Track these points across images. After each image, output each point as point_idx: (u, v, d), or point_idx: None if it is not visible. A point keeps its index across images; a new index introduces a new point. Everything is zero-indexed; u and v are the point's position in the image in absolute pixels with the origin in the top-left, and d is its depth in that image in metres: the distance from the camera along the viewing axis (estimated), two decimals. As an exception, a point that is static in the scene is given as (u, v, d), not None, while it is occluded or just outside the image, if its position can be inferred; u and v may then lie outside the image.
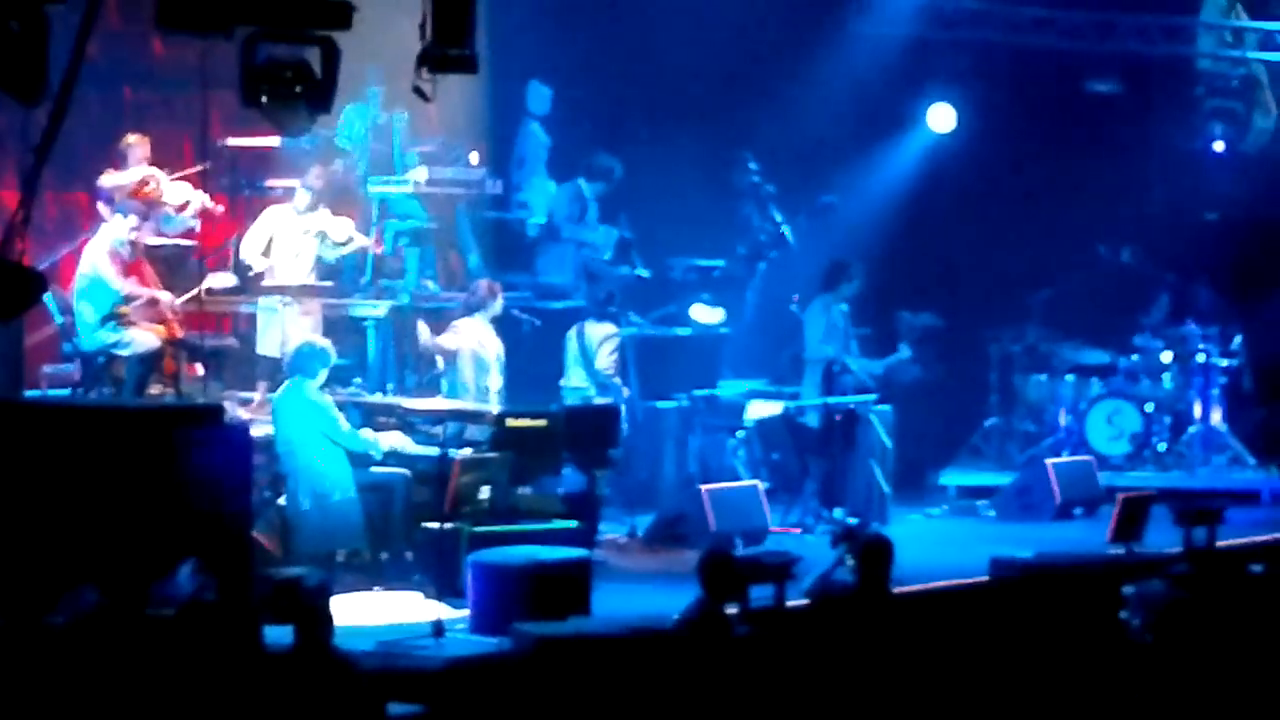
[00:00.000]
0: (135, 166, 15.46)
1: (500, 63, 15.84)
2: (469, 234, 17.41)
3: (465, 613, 12.23)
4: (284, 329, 15.39)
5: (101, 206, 15.20)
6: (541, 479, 14.05)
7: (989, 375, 18.87)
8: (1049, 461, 17.24)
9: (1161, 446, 18.40)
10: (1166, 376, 18.66)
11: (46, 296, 13.66)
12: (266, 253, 15.65)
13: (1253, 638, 10.07)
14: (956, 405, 18.62)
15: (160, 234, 15.48)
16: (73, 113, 10.96)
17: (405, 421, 14.20)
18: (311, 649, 8.69)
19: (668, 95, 18.53)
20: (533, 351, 16.25)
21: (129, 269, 14.89)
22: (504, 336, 15.51)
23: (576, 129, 18.02)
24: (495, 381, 15.16)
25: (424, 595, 12.84)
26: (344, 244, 15.88)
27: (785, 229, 17.98)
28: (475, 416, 14.22)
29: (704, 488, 15.24)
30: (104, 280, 14.69)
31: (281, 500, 13.55)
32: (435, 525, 13.24)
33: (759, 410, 16.87)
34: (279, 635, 8.92)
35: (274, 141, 15.63)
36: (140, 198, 15.11)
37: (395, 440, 13.94)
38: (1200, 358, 18.54)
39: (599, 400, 16.05)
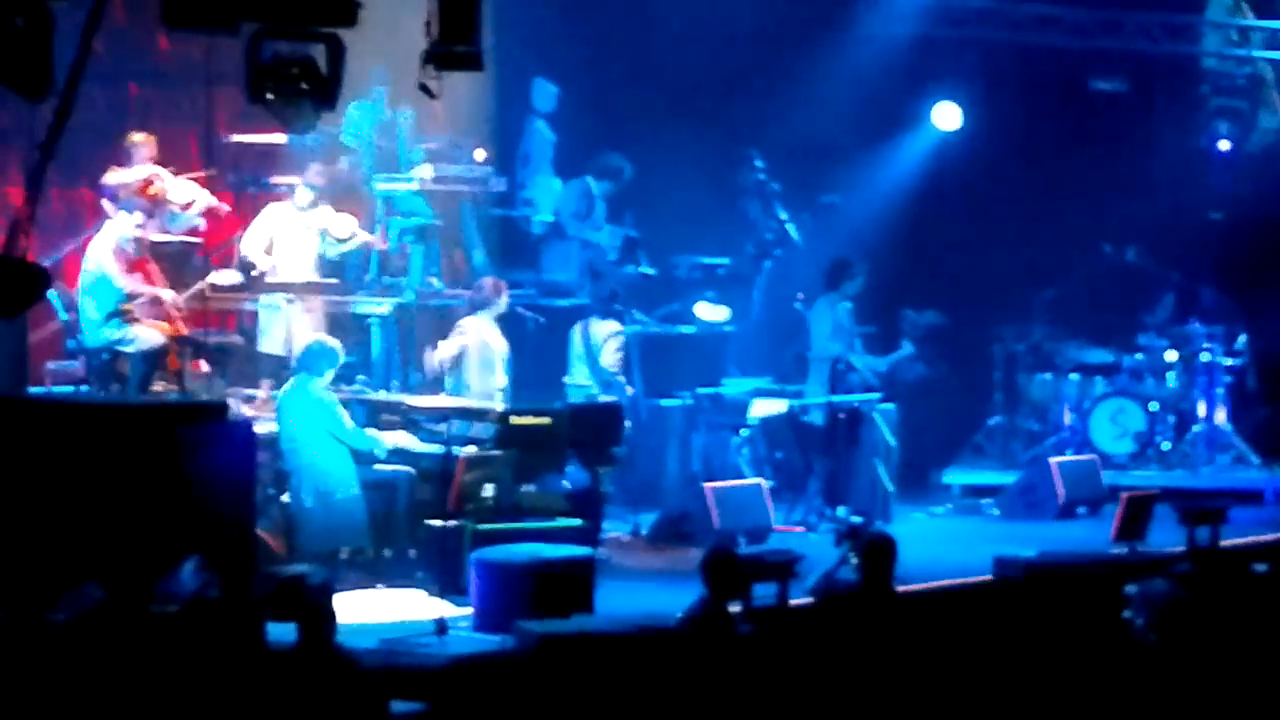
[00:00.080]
0: (140, 165, 15.45)
1: (506, 60, 15.84)
2: (474, 231, 17.40)
3: (468, 610, 12.23)
4: (288, 327, 15.39)
5: (106, 203, 15.20)
6: (545, 477, 14.04)
7: (993, 374, 18.89)
8: (1053, 460, 17.23)
9: (1165, 446, 18.39)
10: (1171, 375, 18.65)
11: (51, 293, 13.66)
12: (269, 250, 15.65)
13: (1256, 637, 10.08)
14: (960, 404, 18.63)
15: (165, 231, 15.48)
16: (78, 109, 10.94)
17: (409, 419, 14.21)
18: (314, 647, 8.70)
19: (673, 93, 18.52)
20: (537, 349, 16.25)
21: (133, 266, 14.89)
22: (508, 334, 15.50)
23: (582, 126, 18.00)
24: (500, 379, 15.16)
25: (427, 593, 12.85)
26: (345, 241, 15.87)
27: (790, 227, 17.96)
28: (479, 414, 14.23)
29: (708, 486, 15.26)
30: (108, 277, 14.69)
31: (285, 498, 13.56)
32: (439, 523, 13.26)
33: (763, 408, 16.87)
34: (282, 633, 8.94)
35: (279, 138, 15.61)
36: (145, 196, 15.11)
37: (399, 438, 13.95)
38: (1205, 357, 18.54)
39: (603, 398, 16.04)
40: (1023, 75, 19.43)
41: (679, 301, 17.71)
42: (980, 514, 17.23)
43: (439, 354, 15.15)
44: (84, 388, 14.77)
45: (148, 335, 14.73)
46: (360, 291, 16.03)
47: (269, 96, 11.19)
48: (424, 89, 11.61)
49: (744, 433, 16.70)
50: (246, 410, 14.46)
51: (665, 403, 16.63)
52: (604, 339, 16.39)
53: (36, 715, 8.59)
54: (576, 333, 16.49)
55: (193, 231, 15.72)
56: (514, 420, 14.07)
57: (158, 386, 14.77)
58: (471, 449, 13.77)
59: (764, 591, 10.81)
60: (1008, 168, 19.38)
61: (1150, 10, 19.16)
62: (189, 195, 15.52)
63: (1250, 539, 14.51)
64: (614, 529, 15.38)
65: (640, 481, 16.18)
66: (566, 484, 14.22)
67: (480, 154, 16.87)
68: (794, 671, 9.91)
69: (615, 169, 17.54)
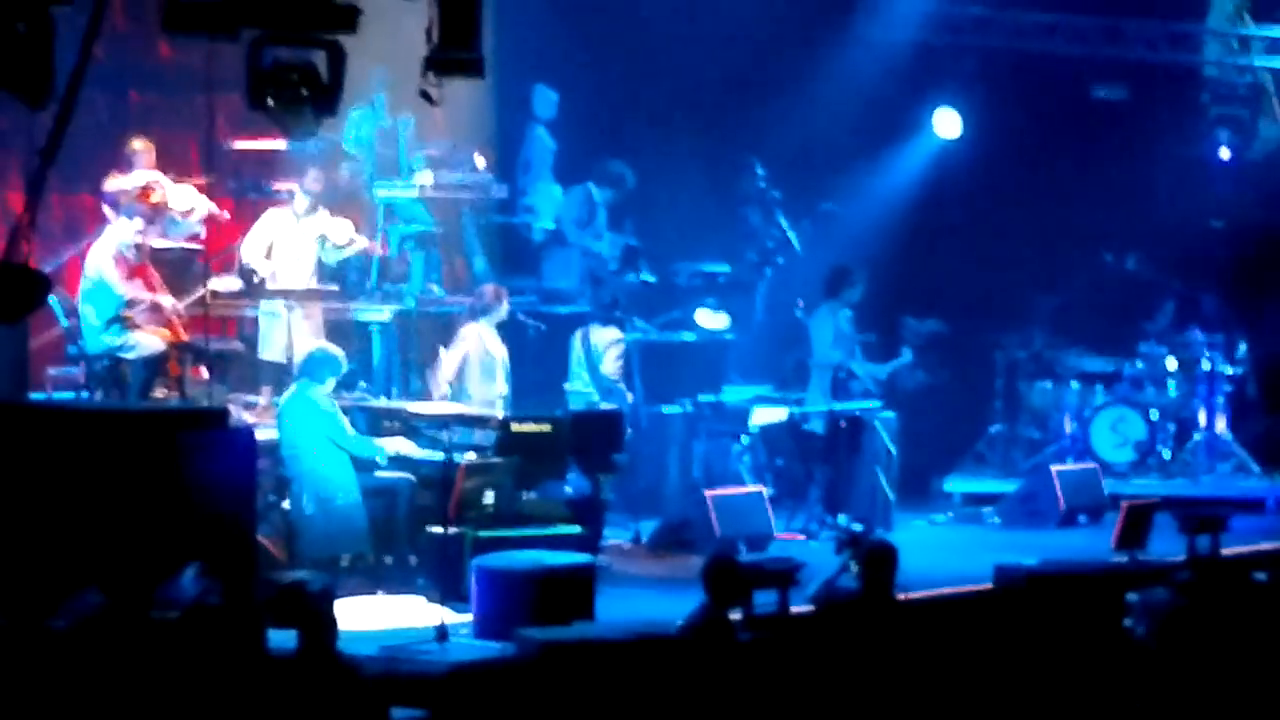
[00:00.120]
0: (140, 171, 15.44)
1: (506, 67, 15.82)
2: (474, 238, 17.40)
3: (469, 617, 12.22)
4: (288, 333, 15.38)
5: (107, 209, 15.19)
6: (546, 484, 14.04)
7: (994, 382, 18.88)
8: (1053, 468, 17.22)
9: (1166, 454, 18.39)
10: (1171, 384, 18.65)
11: (52, 299, 13.66)
12: (268, 256, 15.63)
13: (1256, 646, 10.07)
14: (961, 412, 18.61)
15: (165, 238, 15.47)
16: (78, 115, 10.95)
17: (410, 426, 14.20)
18: (315, 653, 8.68)
19: (674, 100, 18.53)
20: (538, 356, 16.25)
21: (134, 272, 14.87)
22: (509, 341, 15.50)
23: (582, 133, 18.00)
24: (501, 386, 15.16)
25: (428, 600, 12.82)
26: (344, 247, 15.86)
27: (791, 235, 17.96)
28: (480, 421, 14.22)
29: (708, 493, 15.25)
30: (109, 283, 14.68)
31: (286, 504, 13.55)
32: (439, 530, 13.24)
33: (764, 416, 16.86)
34: (283, 639, 8.91)
35: (280, 145, 15.61)
36: (145, 202, 15.09)
37: (400, 445, 13.94)
38: (1205, 365, 18.54)
39: (604, 405, 16.04)
40: (1023, 83, 19.42)
41: (680, 309, 17.70)
42: (981, 522, 17.21)
43: (443, 374, 15.12)
44: (85, 394, 14.76)
45: (148, 341, 14.72)
46: (361, 298, 16.04)
47: (269, 103, 11.18)
48: (424, 95, 11.60)
49: (745, 440, 16.69)
50: (247, 417, 14.46)
51: (666, 410, 16.63)
52: (605, 346, 16.38)
53: (37, 721, 8.59)
54: (577, 340, 16.49)
55: (193, 238, 15.70)
56: (515, 427, 14.08)
57: (158, 393, 14.75)
58: (472, 456, 13.76)
59: (765, 599, 10.80)
60: (1008, 175, 19.37)
61: (1151, 18, 19.16)
62: (189, 201, 15.51)
63: (1251, 548, 14.51)
64: (615, 536, 15.36)
65: (641, 489, 16.16)
66: (567, 491, 14.22)
67: (481, 161, 16.87)
68: (794, 679, 9.90)
69: (617, 176, 17.52)
